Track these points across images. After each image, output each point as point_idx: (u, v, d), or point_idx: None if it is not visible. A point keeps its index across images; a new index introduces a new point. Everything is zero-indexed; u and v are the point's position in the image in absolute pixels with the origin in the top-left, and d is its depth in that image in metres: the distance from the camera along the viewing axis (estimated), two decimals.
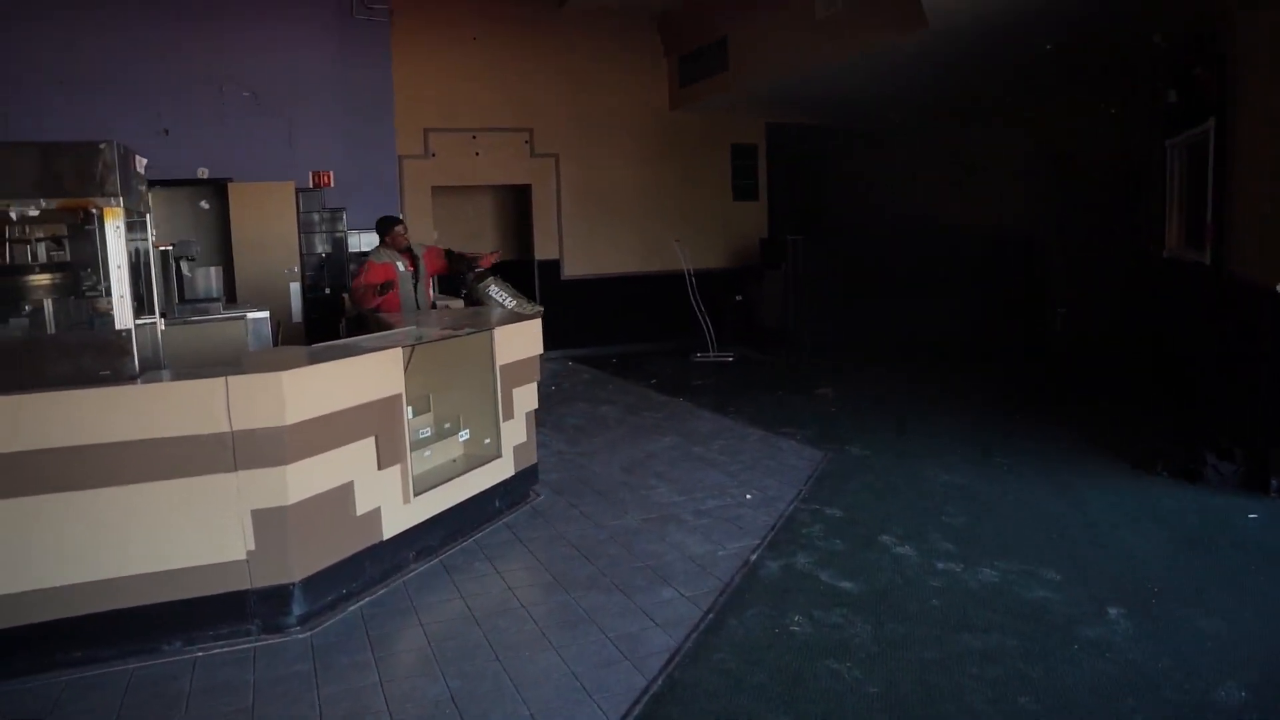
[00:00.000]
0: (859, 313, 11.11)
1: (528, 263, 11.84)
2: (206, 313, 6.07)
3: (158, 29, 8.71)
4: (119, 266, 3.71)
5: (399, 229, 6.79)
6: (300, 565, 3.87)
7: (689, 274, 11.04)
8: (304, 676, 3.51)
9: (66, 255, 4.32)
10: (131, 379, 3.72)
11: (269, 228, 8.64)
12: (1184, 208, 7.88)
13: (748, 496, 5.58)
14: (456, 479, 4.91)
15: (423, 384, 5.30)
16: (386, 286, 6.36)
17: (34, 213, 3.67)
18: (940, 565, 4.42)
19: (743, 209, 12.71)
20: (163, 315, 5.74)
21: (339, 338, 6.83)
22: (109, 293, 3.74)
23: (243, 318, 6.04)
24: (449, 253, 7.09)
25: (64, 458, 3.47)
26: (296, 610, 3.89)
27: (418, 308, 6.69)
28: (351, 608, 4.11)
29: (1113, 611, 3.83)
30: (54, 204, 3.66)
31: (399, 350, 4.40)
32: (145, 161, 4.26)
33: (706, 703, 3.24)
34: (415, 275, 6.76)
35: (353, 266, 8.80)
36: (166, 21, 8.74)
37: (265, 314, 6.30)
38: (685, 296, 11.06)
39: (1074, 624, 3.73)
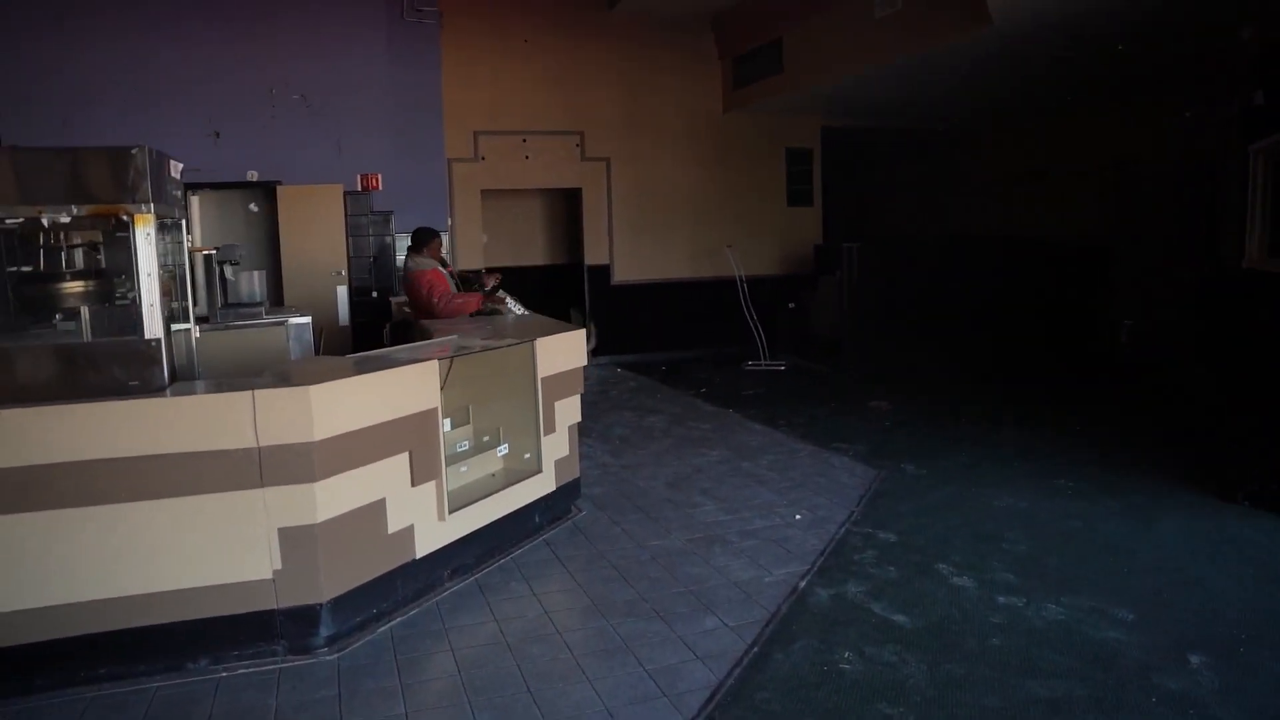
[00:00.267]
0: (916, 322, 10.78)
1: (577, 267, 11.72)
2: (249, 318, 5.99)
3: (212, 34, 8.73)
4: (149, 274, 3.61)
5: (437, 241, 6.85)
6: (329, 585, 3.74)
7: (741, 280, 10.80)
8: (328, 703, 3.37)
9: (103, 262, 4.25)
10: (161, 389, 3.62)
11: (317, 230, 8.62)
12: (1269, 217, 7.44)
13: (797, 517, 5.35)
14: (494, 495, 4.75)
15: (462, 396, 5.16)
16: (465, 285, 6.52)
17: (65, 219, 3.59)
18: (1001, 599, 4.14)
19: (797, 214, 12.43)
20: (204, 320, 5.74)
21: (383, 343, 6.76)
22: (140, 300, 3.65)
23: (284, 323, 5.94)
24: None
25: (90, 471, 3.38)
26: (324, 631, 3.75)
27: None
28: (382, 628, 3.97)
29: (1194, 659, 3.53)
30: (85, 210, 3.57)
31: (434, 363, 4.25)
32: (181, 166, 4.17)
33: None
34: (455, 284, 6.78)
35: (399, 273, 8.74)
36: (220, 26, 8.75)
37: (308, 319, 6.21)
38: (737, 303, 10.82)
39: (1150, 671, 3.44)
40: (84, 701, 3.41)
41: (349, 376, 3.82)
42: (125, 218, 3.59)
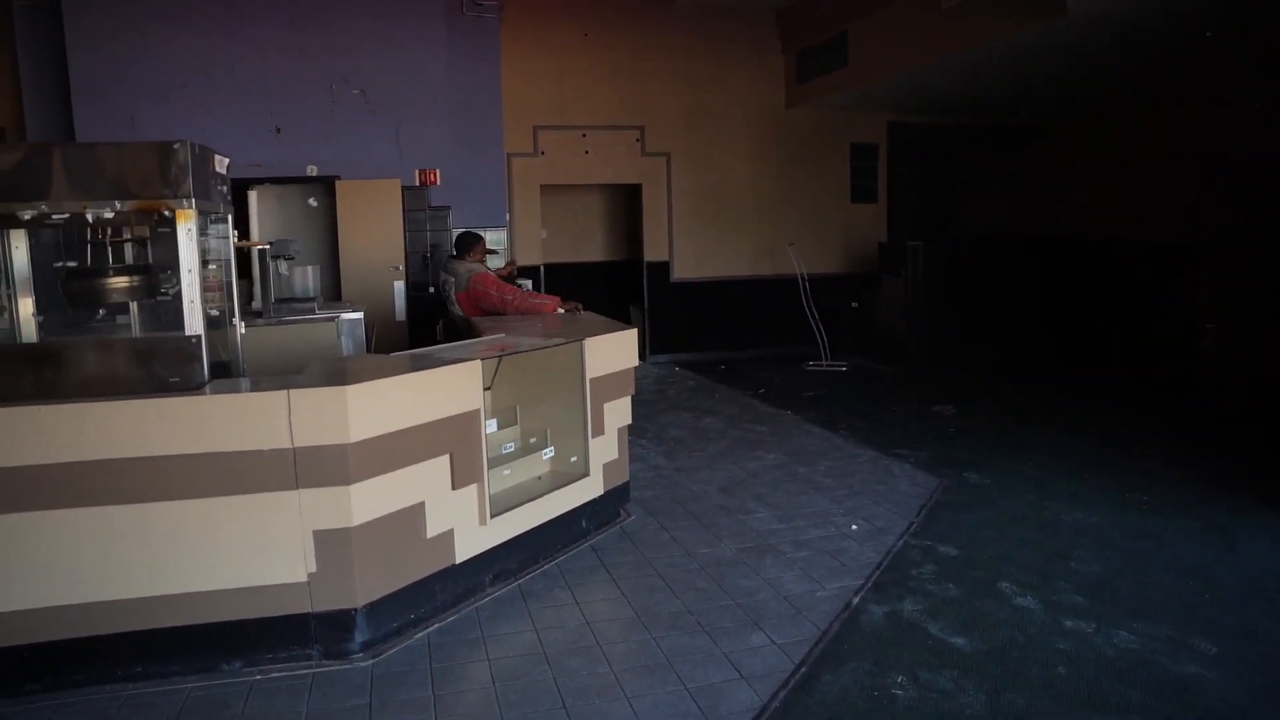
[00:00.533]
0: (983, 324, 10.42)
1: (636, 264, 11.58)
2: (301, 313, 5.97)
3: (274, 31, 8.79)
4: (190, 270, 3.57)
5: (481, 244, 6.79)
6: (364, 590, 3.66)
7: (803, 278, 10.56)
8: (358, 712, 3.28)
9: (149, 258, 4.23)
10: (200, 386, 3.58)
11: (375, 225, 8.61)
12: None
13: (853, 527, 5.14)
14: (539, 499, 4.63)
15: (510, 395, 5.06)
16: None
17: (109, 215, 3.56)
18: (1068, 623, 3.89)
19: (861, 211, 12.12)
20: (258, 315, 5.74)
21: (437, 340, 6.71)
22: (181, 296, 3.61)
23: (336, 318, 5.91)
24: None
25: (126, 469, 3.35)
26: (359, 637, 3.68)
27: None
28: (419, 635, 3.88)
29: None
30: (127, 206, 3.54)
31: (478, 363, 4.14)
32: (228, 161, 4.13)
33: None
34: None
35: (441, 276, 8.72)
36: (282, 21, 8.81)
37: (359, 314, 6.18)
38: (798, 302, 10.57)
39: (1238, 714, 3.16)
40: (118, 700, 3.38)
41: (388, 376, 3.72)
42: (167, 213, 3.55)
